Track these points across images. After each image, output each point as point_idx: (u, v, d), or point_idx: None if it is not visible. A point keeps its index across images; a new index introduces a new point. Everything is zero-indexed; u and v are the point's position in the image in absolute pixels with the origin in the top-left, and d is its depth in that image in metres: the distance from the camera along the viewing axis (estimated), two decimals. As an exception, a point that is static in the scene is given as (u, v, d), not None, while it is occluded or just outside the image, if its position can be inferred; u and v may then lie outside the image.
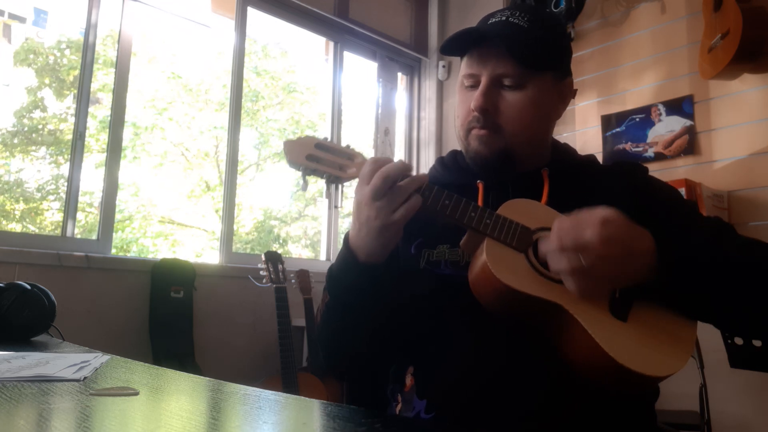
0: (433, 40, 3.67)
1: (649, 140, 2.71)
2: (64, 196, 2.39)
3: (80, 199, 2.36)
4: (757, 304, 0.81)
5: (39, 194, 4.59)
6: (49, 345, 1.13)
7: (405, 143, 3.67)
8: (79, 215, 3.20)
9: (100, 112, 4.52)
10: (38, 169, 4.51)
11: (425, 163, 3.60)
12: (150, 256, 4.86)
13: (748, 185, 2.38)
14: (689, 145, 2.57)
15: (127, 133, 4.95)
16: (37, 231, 4.56)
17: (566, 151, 1.04)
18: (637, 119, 2.76)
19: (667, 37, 2.71)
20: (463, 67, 0.96)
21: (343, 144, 0.88)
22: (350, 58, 3.43)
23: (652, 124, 2.71)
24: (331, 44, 3.34)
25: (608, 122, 2.87)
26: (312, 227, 5.99)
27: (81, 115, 2.37)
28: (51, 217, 4.65)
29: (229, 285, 2.60)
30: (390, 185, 0.79)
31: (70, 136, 2.68)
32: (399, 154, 3.63)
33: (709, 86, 2.52)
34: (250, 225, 5.99)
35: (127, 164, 5.09)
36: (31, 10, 5.27)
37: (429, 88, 3.67)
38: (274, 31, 3.71)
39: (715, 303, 0.82)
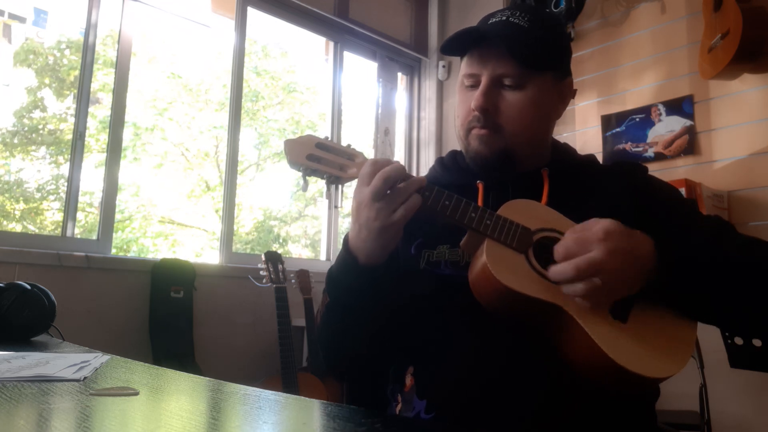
0: (433, 40, 3.67)
1: (649, 140, 2.71)
2: (64, 196, 2.39)
3: (80, 199, 2.36)
4: (757, 303, 0.81)
5: (39, 194, 4.58)
6: (49, 345, 1.13)
7: (405, 143, 3.67)
8: (79, 215, 3.20)
9: (100, 112, 4.52)
10: (38, 169, 4.51)
11: (425, 163, 3.60)
12: (150, 256, 4.86)
13: (748, 185, 2.38)
14: (689, 145, 2.57)
15: (128, 134, 4.95)
16: (37, 231, 4.56)
17: (566, 151, 1.04)
18: (637, 119, 2.76)
19: (667, 37, 2.71)
20: (463, 66, 0.96)
21: (344, 144, 0.87)
22: (350, 58, 3.43)
23: (652, 124, 2.71)
24: (331, 44, 3.34)
25: (608, 122, 2.87)
26: (312, 226, 5.99)
27: (81, 115, 2.37)
28: (51, 217, 4.65)
29: (229, 285, 2.60)
30: (390, 186, 0.79)
31: (70, 136, 2.68)
32: (399, 154, 3.63)
33: (709, 86, 2.52)
34: (250, 225, 5.99)
35: (128, 164, 5.09)
36: (31, 10, 5.27)
37: (429, 88, 3.67)
38: (274, 31, 3.71)
39: (715, 303, 0.82)
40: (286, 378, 2.23)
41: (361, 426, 0.55)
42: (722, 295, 0.81)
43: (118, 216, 3.66)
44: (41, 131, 4.58)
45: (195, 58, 5.74)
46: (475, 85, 0.93)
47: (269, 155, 6.01)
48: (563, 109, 1.00)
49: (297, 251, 6.19)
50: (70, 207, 2.31)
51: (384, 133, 3.40)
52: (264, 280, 2.38)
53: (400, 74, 3.67)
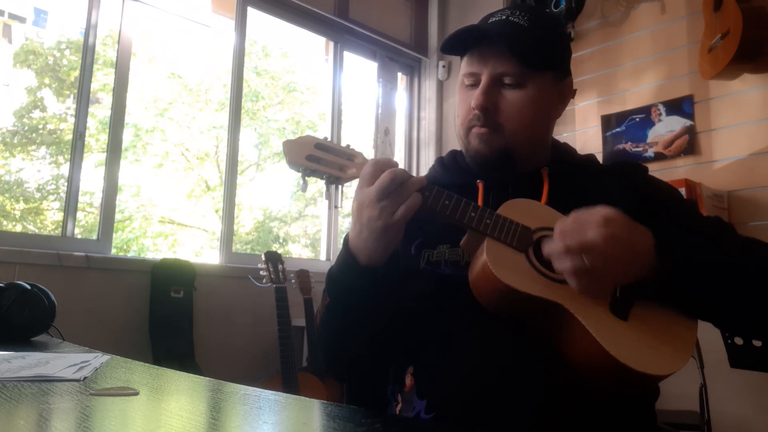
0: (433, 40, 3.67)
1: (649, 140, 2.71)
2: (64, 196, 2.39)
3: (80, 199, 2.36)
4: (757, 304, 0.81)
5: (39, 194, 4.58)
6: (49, 345, 1.14)
7: (405, 143, 3.67)
8: (79, 215, 3.20)
9: (100, 112, 4.52)
10: (38, 169, 4.51)
11: (425, 163, 3.60)
12: (150, 256, 4.86)
13: (748, 185, 2.38)
14: (689, 145, 2.57)
15: (128, 134, 4.95)
16: (37, 231, 4.56)
17: (566, 150, 1.04)
18: (637, 119, 2.76)
19: (667, 37, 2.71)
20: (463, 66, 0.96)
21: (343, 144, 0.87)
22: (350, 58, 3.43)
23: (652, 124, 2.71)
24: (331, 44, 3.34)
25: (608, 122, 2.87)
26: (312, 226, 5.99)
27: (81, 115, 2.37)
28: (51, 217, 4.65)
29: (229, 285, 2.60)
30: (397, 185, 0.79)
31: (70, 136, 2.68)
32: (399, 154, 3.63)
33: (709, 86, 2.52)
34: (250, 225, 5.99)
35: (128, 164, 5.09)
36: (31, 10, 5.27)
37: (429, 88, 3.67)
38: (274, 31, 3.71)
39: (714, 303, 0.82)
40: (286, 378, 2.23)
41: (361, 426, 0.55)
42: (722, 295, 0.81)
43: (118, 216, 3.66)
44: (41, 131, 4.59)
45: (195, 58, 5.74)
46: (475, 84, 0.93)
47: (269, 155, 6.01)
48: (563, 109, 1.00)
49: (297, 251, 6.19)
50: (70, 207, 2.32)
51: (384, 133, 3.40)
52: (264, 280, 2.38)
53: (400, 74, 3.67)
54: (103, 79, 3.91)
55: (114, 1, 2.50)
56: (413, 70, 3.72)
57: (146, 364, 0.91)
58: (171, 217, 5.64)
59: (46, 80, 4.75)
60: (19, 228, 4.40)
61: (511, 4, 3.15)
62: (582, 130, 2.98)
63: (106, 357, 0.93)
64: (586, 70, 2.97)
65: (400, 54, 3.60)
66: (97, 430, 0.52)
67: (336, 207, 3.17)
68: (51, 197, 4.61)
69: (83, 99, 2.37)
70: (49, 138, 4.57)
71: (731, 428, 2.18)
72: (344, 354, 0.95)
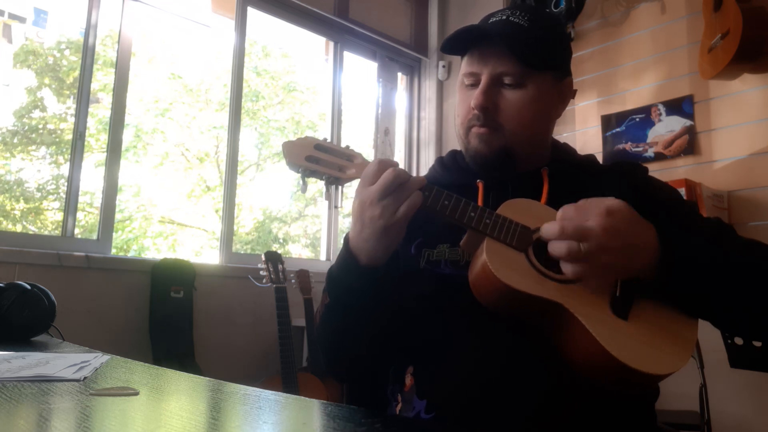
0: (433, 40, 3.67)
1: (649, 140, 2.71)
2: (64, 196, 2.39)
3: (80, 199, 2.36)
4: (757, 304, 0.81)
5: (39, 194, 4.58)
6: (49, 345, 1.14)
7: (405, 143, 3.67)
8: (79, 215, 3.20)
9: (100, 112, 4.52)
10: (38, 169, 4.51)
11: (425, 163, 3.60)
12: (150, 256, 4.86)
13: (748, 185, 2.38)
14: (689, 145, 2.57)
15: (128, 135, 4.95)
16: (37, 231, 4.56)
17: (566, 150, 1.04)
18: (637, 119, 2.76)
19: (667, 37, 2.71)
20: (463, 65, 0.96)
21: (343, 145, 0.88)
22: (350, 58, 3.43)
23: (652, 124, 2.71)
24: (331, 44, 3.34)
25: (608, 122, 2.87)
26: (312, 225, 5.99)
27: (81, 115, 2.37)
28: (51, 217, 4.65)
29: (229, 285, 2.60)
30: (399, 183, 0.79)
31: (70, 136, 2.68)
32: (399, 154, 3.63)
33: (709, 86, 2.52)
34: (250, 225, 5.99)
35: (128, 164, 5.09)
36: (31, 10, 5.27)
37: (429, 88, 3.67)
38: (274, 31, 3.71)
39: (715, 303, 0.82)
40: (286, 378, 2.23)
41: (361, 426, 0.55)
42: (722, 296, 0.81)
43: (118, 216, 3.66)
44: (41, 131, 4.58)
45: (195, 58, 5.74)
46: (475, 84, 0.93)
47: (269, 155, 6.01)
48: (563, 109, 1.00)
49: (297, 251, 6.19)
50: (70, 207, 2.32)
51: (384, 133, 3.40)
52: (264, 280, 2.38)
53: (400, 74, 3.67)
54: (103, 79, 3.91)
55: (114, 1, 2.50)
56: (413, 70, 3.72)
57: (146, 364, 0.91)
58: (171, 217, 5.64)
59: (46, 80, 4.75)
60: (19, 228, 4.40)
61: (511, 4, 3.15)
62: (582, 130, 2.98)
63: (106, 357, 0.93)
64: (586, 70, 2.97)
65: (400, 54, 3.60)
66: (97, 430, 0.52)
67: (336, 207, 3.17)
68: (51, 197, 4.61)
69: (83, 99, 2.37)
70: (49, 138, 4.57)
71: (731, 428, 2.18)
72: (344, 354, 0.95)
